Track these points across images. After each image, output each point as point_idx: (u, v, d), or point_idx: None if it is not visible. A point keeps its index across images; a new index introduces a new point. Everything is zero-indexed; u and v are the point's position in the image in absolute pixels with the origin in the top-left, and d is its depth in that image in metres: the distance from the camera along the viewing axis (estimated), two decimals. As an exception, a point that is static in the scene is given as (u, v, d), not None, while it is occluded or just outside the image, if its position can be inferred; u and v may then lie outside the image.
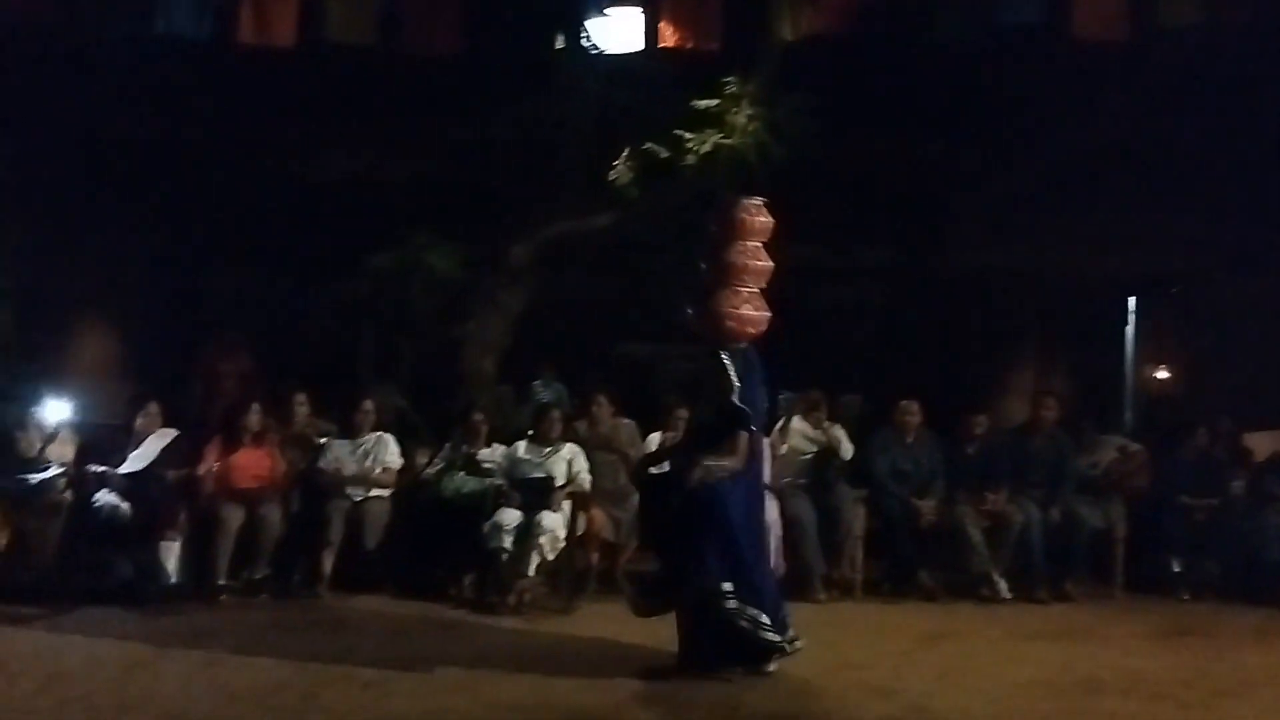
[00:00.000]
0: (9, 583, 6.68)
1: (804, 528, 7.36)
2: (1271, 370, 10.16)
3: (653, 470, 5.78)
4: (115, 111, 9.87)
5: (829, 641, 6.16)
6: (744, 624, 5.18)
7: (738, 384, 5.30)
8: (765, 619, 5.24)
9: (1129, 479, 7.97)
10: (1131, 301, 12.12)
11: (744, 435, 5.31)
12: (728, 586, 5.18)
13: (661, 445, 7.09)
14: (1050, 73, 9.57)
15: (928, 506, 7.54)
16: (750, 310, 5.46)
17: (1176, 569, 7.69)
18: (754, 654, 5.32)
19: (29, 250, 9.61)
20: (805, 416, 8.01)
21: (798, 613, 6.76)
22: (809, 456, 7.81)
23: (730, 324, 5.42)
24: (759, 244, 5.49)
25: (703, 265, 5.61)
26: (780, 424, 7.97)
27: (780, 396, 8.69)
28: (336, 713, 4.70)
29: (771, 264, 5.51)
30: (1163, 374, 12.36)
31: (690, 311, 5.58)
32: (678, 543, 5.36)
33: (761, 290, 5.52)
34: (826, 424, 7.98)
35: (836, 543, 7.49)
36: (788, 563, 7.26)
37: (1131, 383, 12.37)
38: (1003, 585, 7.40)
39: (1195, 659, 5.98)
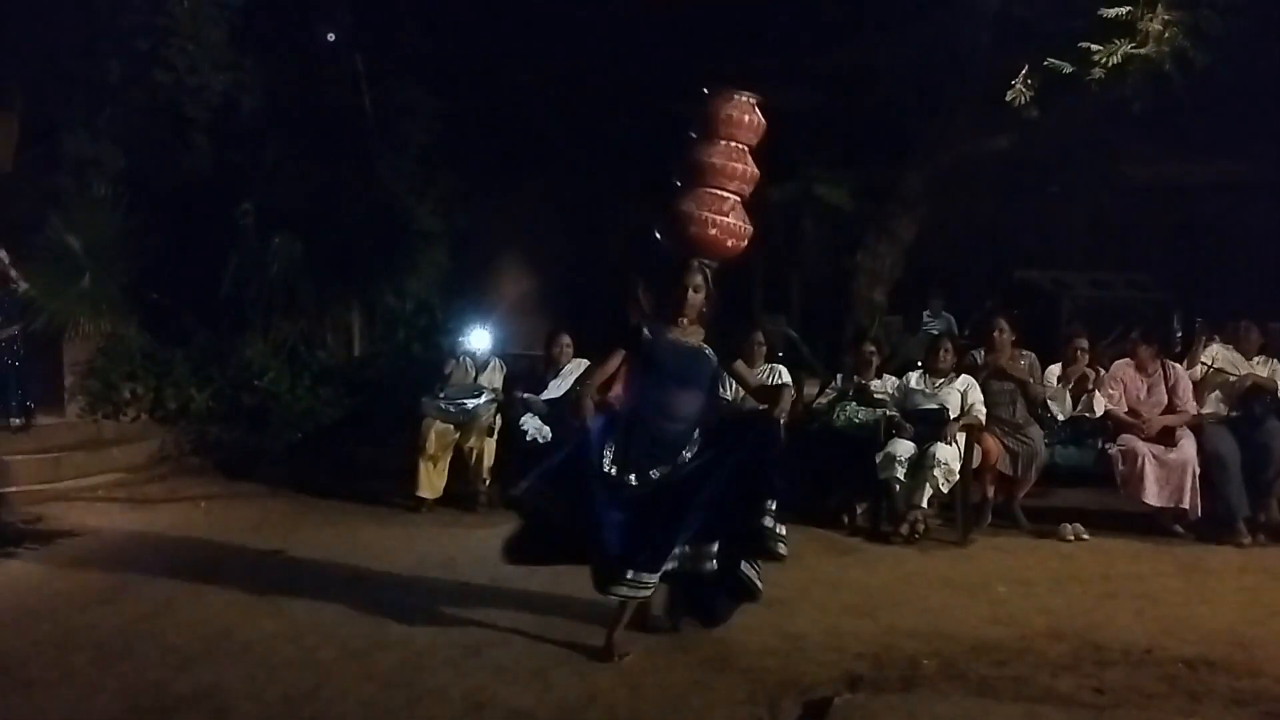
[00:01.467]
0: (455, 495, 7.55)
1: (1227, 465, 6.82)
2: None
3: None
4: (530, 68, 10.64)
5: (1256, 587, 5.77)
6: None
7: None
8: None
9: None
10: None
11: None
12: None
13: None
14: None
15: (1375, 444, 6.75)
16: (734, 219, 4.80)
17: None
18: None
19: (457, 196, 10.61)
20: (1229, 344, 7.40)
21: (1217, 555, 6.41)
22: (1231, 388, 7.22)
23: (710, 231, 4.75)
24: (746, 146, 4.85)
25: (674, 167, 4.94)
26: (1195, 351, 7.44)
27: (1196, 322, 8.09)
28: (750, 630, 4.93)
29: (757, 171, 4.87)
30: None
31: (657, 221, 4.92)
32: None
33: (744, 201, 4.87)
34: (1259, 359, 7.33)
35: (1265, 482, 6.89)
36: (1206, 503, 6.79)
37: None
38: None
39: None
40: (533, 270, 11.67)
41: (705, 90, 4.86)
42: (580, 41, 10.56)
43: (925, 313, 10.91)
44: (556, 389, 7.54)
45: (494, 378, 7.83)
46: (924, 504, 6.72)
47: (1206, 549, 6.59)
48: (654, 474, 4.59)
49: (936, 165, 9.71)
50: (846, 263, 10.25)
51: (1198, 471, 6.80)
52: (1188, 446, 6.86)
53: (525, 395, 7.57)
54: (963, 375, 7.17)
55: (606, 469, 4.56)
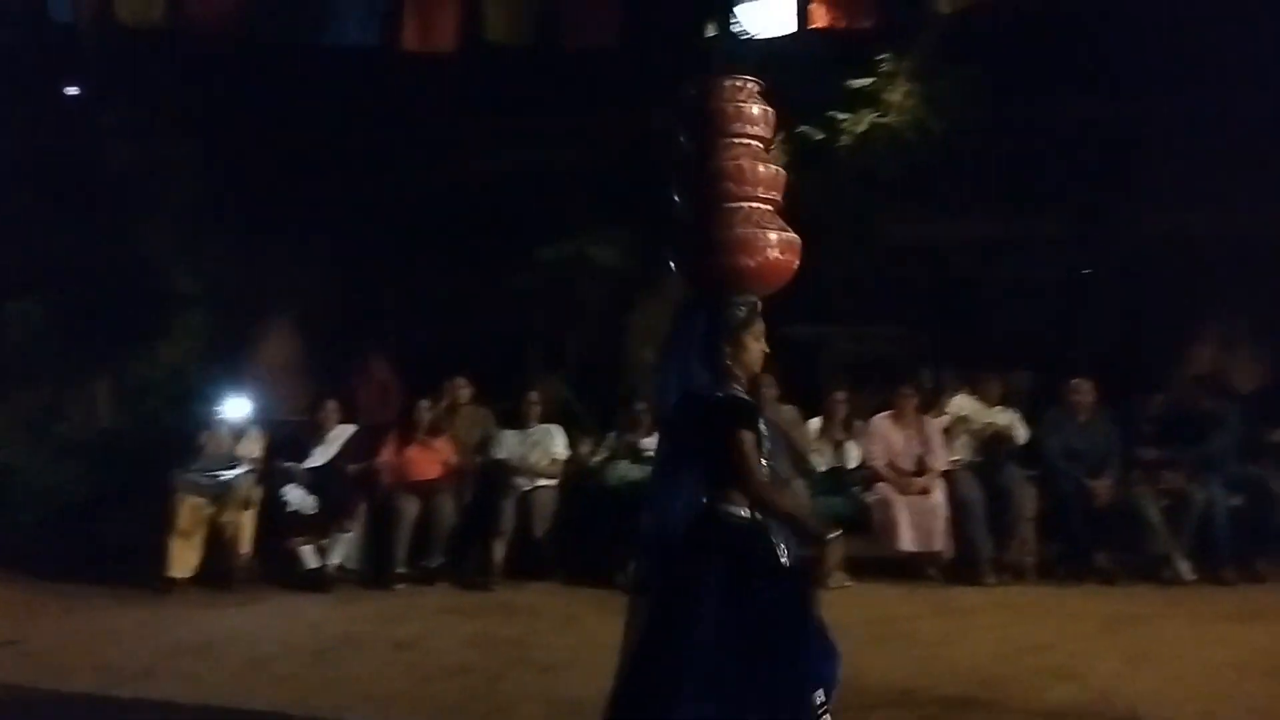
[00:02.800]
0: (209, 573, 7.15)
1: (973, 509, 7.22)
2: None
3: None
4: (292, 118, 10.34)
5: (1005, 625, 6.08)
6: None
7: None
8: None
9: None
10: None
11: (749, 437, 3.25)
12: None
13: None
14: (1200, 28, 9.05)
15: (1103, 486, 7.28)
16: (785, 233, 3.59)
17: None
18: None
19: (217, 255, 10.16)
20: (974, 394, 7.87)
21: (967, 596, 6.74)
22: (975, 436, 7.67)
23: (771, 255, 3.52)
24: (760, 142, 3.69)
25: (676, 195, 3.74)
26: (943, 401, 7.88)
27: (944, 373, 8.58)
28: (521, 694, 4.87)
29: (783, 171, 3.70)
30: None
31: (676, 258, 3.66)
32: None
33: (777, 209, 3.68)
34: (999, 407, 7.82)
35: (1007, 524, 7.31)
36: (955, 545, 7.16)
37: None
38: (1185, 566, 7.09)
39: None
40: (304, 332, 11.29)
41: (693, 82, 3.76)
42: (349, 98, 10.36)
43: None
44: (321, 456, 7.29)
45: (252, 447, 7.50)
46: (696, 559, 6.79)
47: (958, 590, 6.95)
48: None
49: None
50: (622, 321, 10.36)
51: (947, 515, 7.17)
52: (938, 492, 7.23)
53: (287, 464, 7.28)
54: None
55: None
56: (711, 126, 3.64)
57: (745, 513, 3.26)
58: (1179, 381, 8.31)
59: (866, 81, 8.14)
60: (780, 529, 3.27)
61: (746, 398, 3.38)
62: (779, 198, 3.67)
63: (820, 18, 8.20)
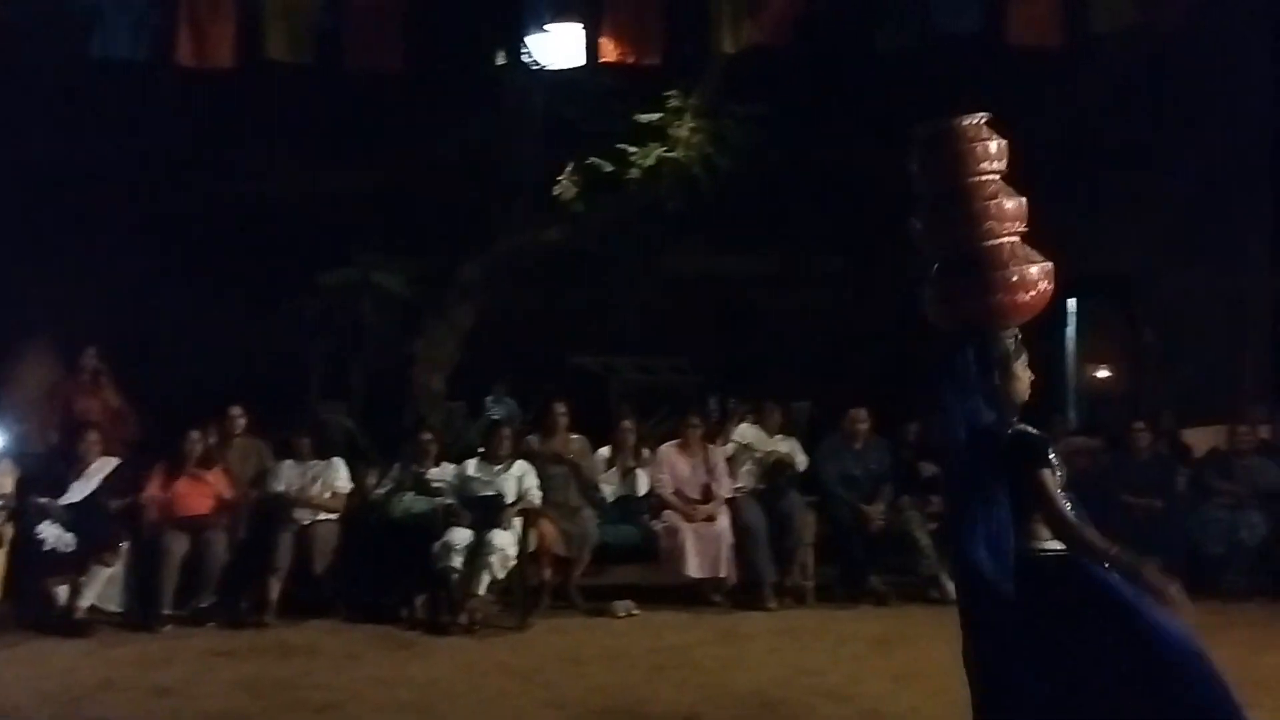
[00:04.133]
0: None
1: (756, 535, 7.40)
2: (1209, 367, 10.34)
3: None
4: (55, 136, 9.75)
5: (782, 648, 6.24)
6: None
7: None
8: None
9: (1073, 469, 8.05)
10: (1071, 303, 12.28)
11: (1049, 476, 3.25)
12: None
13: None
14: (986, 78, 9.71)
15: (876, 511, 7.58)
16: (1044, 263, 3.61)
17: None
18: None
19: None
20: (756, 423, 8.09)
21: (750, 621, 6.91)
22: (758, 464, 7.89)
23: (1036, 291, 3.54)
24: (999, 175, 3.69)
25: (919, 225, 3.73)
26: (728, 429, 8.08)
27: (729, 402, 8.80)
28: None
29: (1024, 201, 3.69)
30: (1104, 373, 12.55)
31: (937, 298, 3.64)
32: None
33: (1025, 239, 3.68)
34: (780, 436, 8.06)
35: (788, 549, 7.52)
36: (739, 571, 7.32)
37: (1073, 383, 12.54)
38: (950, 587, 7.45)
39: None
40: (64, 358, 10.61)
41: (925, 125, 3.79)
42: (122, 113, 9.85)
43: (489, 398, 11.05)
44: (80, 491, 6.84)
45: (3, 481, 6.94)
46: (482, 591, 6.72)
47: (742, 615, 7.09)
48: None
49: (494, 255, 9.94)
50: (407, 349, 10.19)
51: (732, 541, 7.33)
52: (722, 519, 7.38)
53: (42, 500, 6.79)
54: (519, 460, 7.30)
55: None
56: (959, 165, 3.65)
57: (1056, 546, 3.22)
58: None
59: (655, 116, 8.32)
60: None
61: (1037, 431, 3.39)
62: (1025, 228, 3.68)
63: (609, 52, 8.33)
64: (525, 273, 10.38)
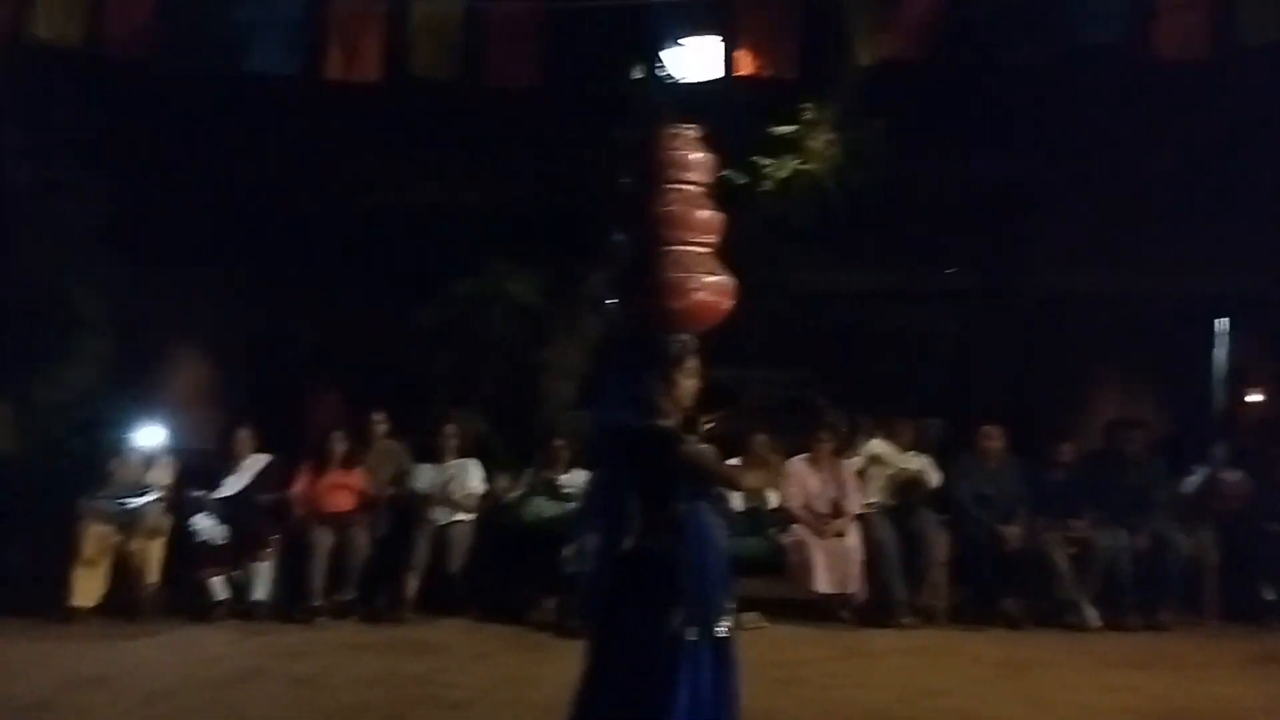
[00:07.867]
0: (114, 602, 6.95)
1: (887, 553, 7.33)
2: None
3: None
4: (207, 148, 10.19)
5: (911, 668, 6.17)
6: None
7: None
8: None
9: (1221, 504, 7.78)
10: (1219, 323, 11.83)
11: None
12: None
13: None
14: (1130, 92, 9.46)
15: (1011, 532, 7.43)
16: (718, 276, 3.79)
17: (1269, 597, 7.47)
18: None
19: (127, 283, 9.94)
20: (887, 438, 8.01)
21: (878, 639, 6.83)
22: (890, 480, 7.81)
23: (698, 298, 3.69)
24: (700, 187, 3.86)
25: (617, 236, 3.94)
26: (859, 445, 8.00)
27: (856, 418, 8.71)
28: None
29: (721, 214, 3.88)
30: (1255, 397, 12.03)
31: (613, 299, 3.88)
32: None
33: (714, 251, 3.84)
34: (912, 452, 7.96)
35: (920, 568, 7.43)
36: (869, 588, 7.25)
37: (1222, 407, 12.06)
38: (1091, 613, 7.26)
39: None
40: (214, 359, 11.07)
41: (635, 128, 4.11)
42: (263, 126, 10.23)
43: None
44: (233, 486, 7.15)
45: (162, 475, 7.32)
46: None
47: (870, 632, 7.02)
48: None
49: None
50: (534, 358, 10.36)
51: (861, 558, 7.26)
52: (852, 535, 7.33)
53: (198, 493, 7.12)
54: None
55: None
56: (652, 173, 3.80)
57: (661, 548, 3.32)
58: (1103, 427, 8.51)
59: (790, 129, 8.31)
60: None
61: (669, 426, 3.40)
62: (717, 241, 3.78)
63: (745, 65, 8.33)
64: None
